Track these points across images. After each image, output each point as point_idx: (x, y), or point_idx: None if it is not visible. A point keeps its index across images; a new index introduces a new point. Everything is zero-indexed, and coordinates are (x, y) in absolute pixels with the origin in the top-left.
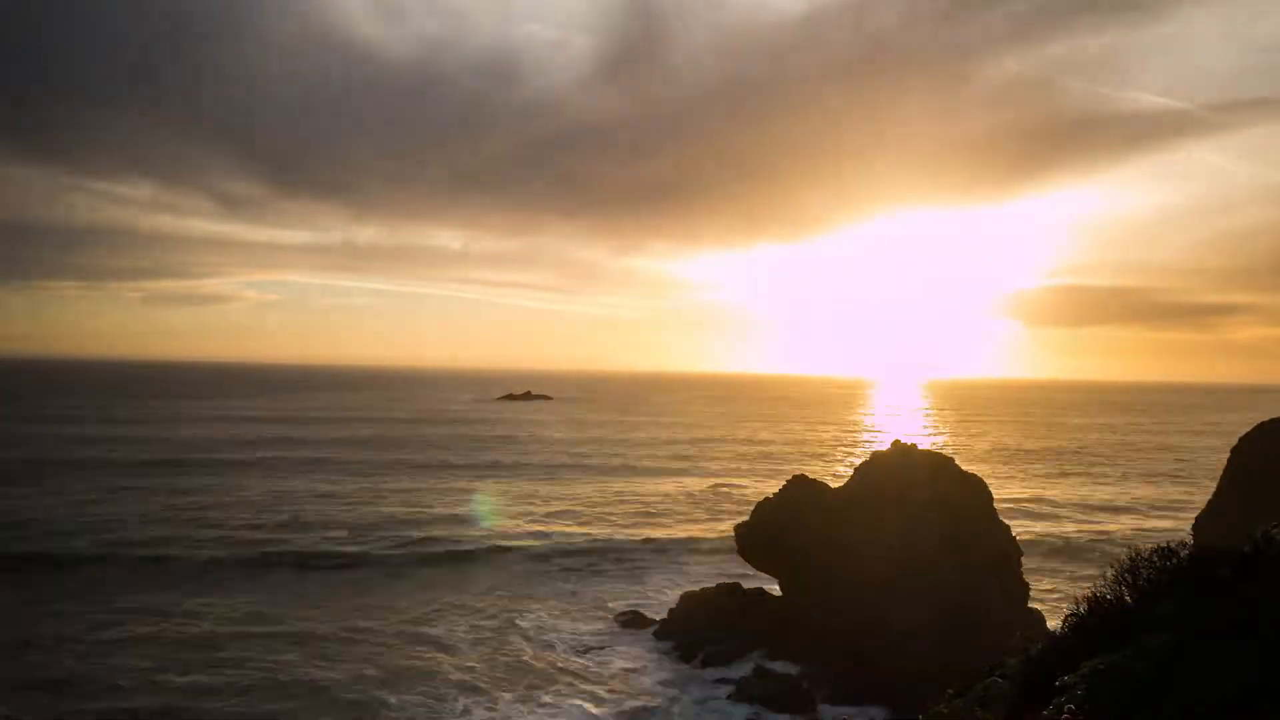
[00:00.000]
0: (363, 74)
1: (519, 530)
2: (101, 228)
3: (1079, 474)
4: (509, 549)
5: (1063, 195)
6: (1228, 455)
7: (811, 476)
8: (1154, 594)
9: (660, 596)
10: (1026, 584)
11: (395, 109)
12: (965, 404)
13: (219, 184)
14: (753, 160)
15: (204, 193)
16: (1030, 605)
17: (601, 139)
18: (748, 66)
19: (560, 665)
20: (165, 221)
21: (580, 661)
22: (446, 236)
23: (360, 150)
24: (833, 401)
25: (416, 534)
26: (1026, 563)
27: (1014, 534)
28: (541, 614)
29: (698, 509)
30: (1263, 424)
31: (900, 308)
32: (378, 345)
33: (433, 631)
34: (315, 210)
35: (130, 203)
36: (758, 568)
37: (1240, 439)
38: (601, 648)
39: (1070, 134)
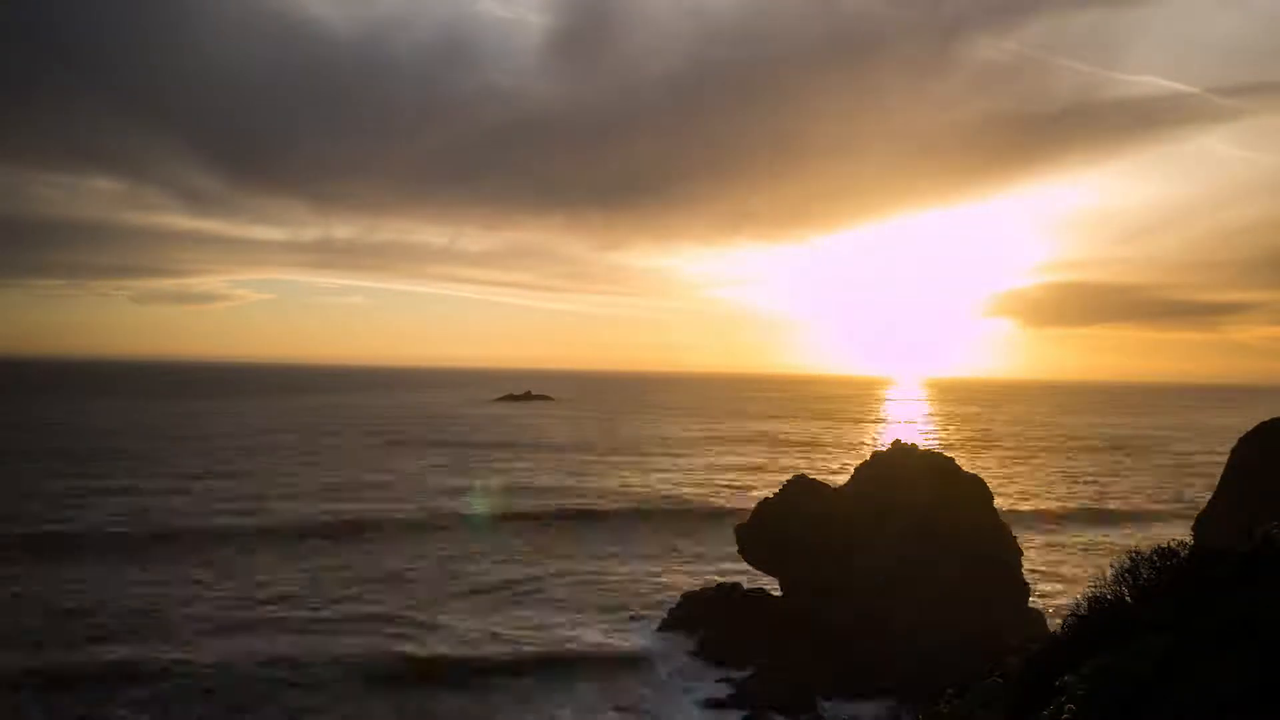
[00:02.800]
0: (316, 58)
1: (520, 531)
2: (71, 224)
3: (1078, 473)
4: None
5: (1057, 187)
6: (1227, 455)
7: (812, 476)
8: (1154, 594)
9: (661, 596)
10: (1026, 584)
11: (351, 96)
12: (963, 404)
13: (183, 179)
14: (725, 155)
15: (169, 188)
16: (1030, 605)
17: (566, 128)
18: (714, 50)
19: (560, 665)
20: (136, 218)
21: (581, 661)
22: (428, 233)
23: (322, 142)
24: (851, 402)
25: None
26: (1027, 563)
27: (1013, 534)
28: (540, 613)
29: (706, 505)
30: (1262, 424)
31: (892, 306)
32: (369, 344)
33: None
34: (286, 205)
35: (96, 200)
36: (758, 568)
37: (1240, 439)
38: (602, 647)
39: (1063, 121)
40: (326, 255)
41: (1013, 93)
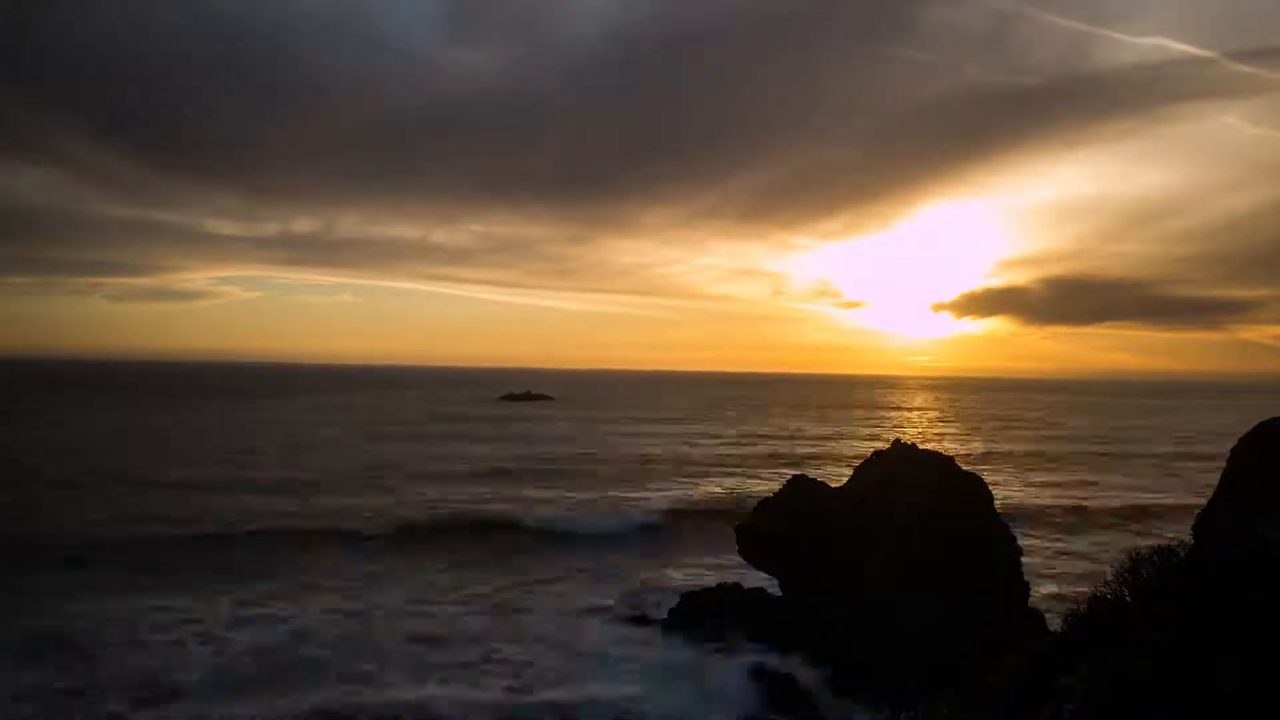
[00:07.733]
0: (220, 32)
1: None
2: (24, 216)
3: (1078, 473)
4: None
5: (1050, 174)
6: (1228, 455)
7: (812, 476)
8: (1154, 594)
9: (659, 596)
10: (1027, 584)
11: (270, 76)
12: (961, 403)
13: (117, 170)
14: (680, 141)
15: (107, 180)
16: (1030, 605)
17: (500, 113)
18: (651, 20)
19: (555, 667)
20: (88, 210)
21: (577, 662)
22: (399, 227)
23: (253, 128)
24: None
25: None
26: (1027, 561)
27: (1014, 534)
28: (537, 614)
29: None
30: (1263, 423)
31: (885, 304)
32: (362, 342)
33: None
34: (238, 199)
35: (40, 191)
36: (758, 567)
37: (1240, 438)
38: (598, 648)
39: (1056, 94)
40: (297, 252)
41: (990, 60)
